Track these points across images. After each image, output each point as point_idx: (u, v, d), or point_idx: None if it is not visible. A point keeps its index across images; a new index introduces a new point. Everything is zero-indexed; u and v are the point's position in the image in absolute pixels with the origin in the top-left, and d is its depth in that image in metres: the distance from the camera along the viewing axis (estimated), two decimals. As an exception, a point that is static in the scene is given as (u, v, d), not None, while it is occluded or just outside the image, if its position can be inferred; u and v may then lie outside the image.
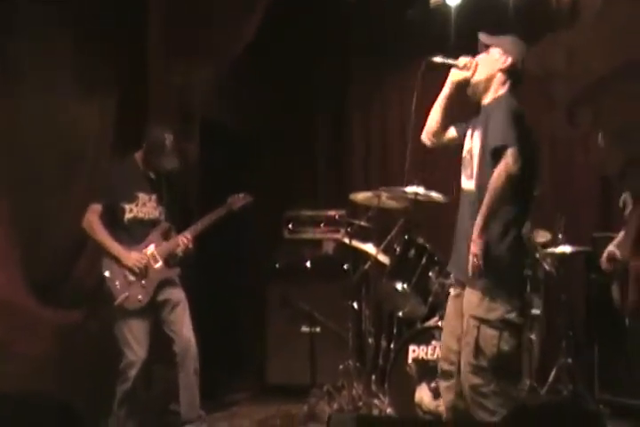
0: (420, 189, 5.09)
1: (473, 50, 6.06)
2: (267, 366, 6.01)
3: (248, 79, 6.42)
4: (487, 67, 3.83)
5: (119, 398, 4.54)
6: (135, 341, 4.55)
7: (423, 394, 4.79)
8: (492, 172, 3.58)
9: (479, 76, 3.83)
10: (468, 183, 3.78)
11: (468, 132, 3.85)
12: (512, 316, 3.62)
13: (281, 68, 6.61)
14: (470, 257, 3.56)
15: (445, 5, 5.80)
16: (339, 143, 6.90)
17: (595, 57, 5.79)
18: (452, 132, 3.98)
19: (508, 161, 3.52)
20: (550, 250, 5.29)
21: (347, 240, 5.46)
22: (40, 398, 4.55)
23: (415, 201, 5.15)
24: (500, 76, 3.82)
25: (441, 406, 4.58)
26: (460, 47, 5.96)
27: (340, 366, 5.24)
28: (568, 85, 6.01)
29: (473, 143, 3.77)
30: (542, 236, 5.37)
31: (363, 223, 5.52)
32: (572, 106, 6.02)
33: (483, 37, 3.89)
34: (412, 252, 5.21)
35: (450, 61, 3.93)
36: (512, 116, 3.63)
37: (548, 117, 6.21)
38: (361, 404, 5.12)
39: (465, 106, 4.02)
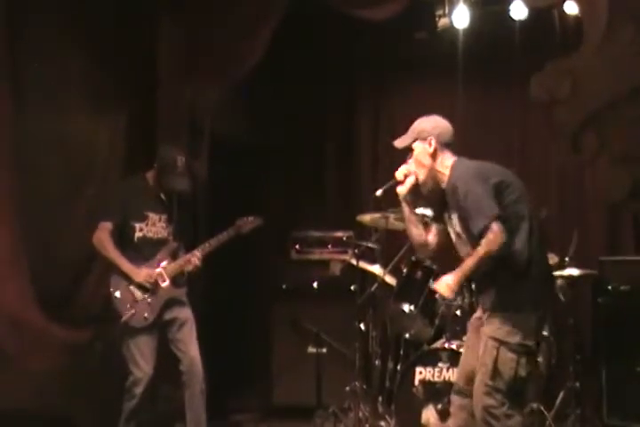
0: (428, 211, 5.09)
1: (478, 71, 6.15)
2: (273, 387, 6.00)
3: (258, 95, 6.47)
4: (421, 163, 3.84)
5: (125, 416, 4.55)
6: (142, 358, 4.55)
7: (430, 416, 4.77)
8: None
9: (421, 176, 3.84)
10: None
11: (447, 218, 3.87)
12: (531, 342, 3.66)
13: (291, 84, 6.67)
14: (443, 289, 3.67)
15: (453, 28, 5.86)
16: (347, 164, 6.93)
17: (599, 82, 5.84)
18: (434, 231, 3.99)
19: (491, 237, 3.55)
20: (558, 273, 5.28)
21: (354, 261, 5.46)
22: (47, 415, 4.60)
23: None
24: (436, 160, 3.83)
25: (448, 427, 4.58)
26: (466, 69, 6.14)
27: (347, 388, 5.21)
28: (573, 111, 6.05)
29: (456, 228, 3.82)
30: (550, 258, 5.36)
31: (370, 245, 5.53)
32: (577, 131, 6.05)
33: (397, 144, 3.91)
34: (419, 273, 5.23)
35: (390, 183, 3.96)
36: (474, 188, 3.63)
37: (554, 143, 6.25)
38: (367, 426, 5.10)
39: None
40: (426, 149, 3.83)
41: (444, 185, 3.81)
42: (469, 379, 3.76)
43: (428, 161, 3.83)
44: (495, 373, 3.61)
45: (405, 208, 3.95)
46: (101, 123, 5.20)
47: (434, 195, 3.90)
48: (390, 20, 5.82)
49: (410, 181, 3.87)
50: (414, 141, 3.85)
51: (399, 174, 3.90)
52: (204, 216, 5.65)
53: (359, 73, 6.97)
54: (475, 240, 3.65)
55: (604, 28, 5.54)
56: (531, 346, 3.66)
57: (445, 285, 3.67)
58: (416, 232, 3.93)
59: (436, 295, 3.78)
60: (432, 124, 3.87)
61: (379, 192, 4.03)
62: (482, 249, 3.57)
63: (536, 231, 3.72)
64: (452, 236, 3.87)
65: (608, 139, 5.86)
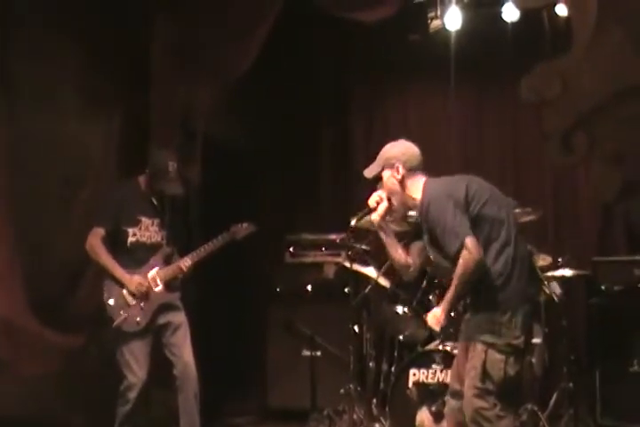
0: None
1: (471, 72, 6.15)
2: (268, 390, 6.01)
3: (253, 95, 6.47)
4: (390, 190, 3.91)
5: (119, 421, 4.56)
6: (136, 363, 4.57)
7: (424, 417, 4.78)
8: None
9: (393, 202, 3.92)
10: None
11: (426, 241, 3.89)
12: (518, 341, 3.70)
13: (286, 84, 6.66)
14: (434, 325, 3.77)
15: (445, 30, 5.87)
16: (342, 166, 6.91)
17: (589, 84, 5.86)
18: (414, 252, 4.04)
19: (469, 251, 3.60)
20: (550, 274, 5.29)
21: (348, 264, 5.46)
22: (42, 419, 4.60)
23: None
24: (405, 186, 3.88)
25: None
26: (458, 70, 6.15)
27: (341, 390, 5.22)
28: (563, 112, 6.07)
29: (434, 253, 3.86)
30: (543, 259, 5.37)
31: (364, 247, 5.53)
32: (567, 132, 6.07)
33: (366, 173, 3.99)
34: (413, 275, 5.24)
35: (364, 211, 4.04)
36: (446, 211, 3.67)
37: (545, 144, 6.26)
38: (362, 428, 5.12)
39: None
40: (394, 177, 3.89)
41: (415, 209, 3.87)
42: (463, 381, 3.79)
43: (397, 188, 3.90)
44: (484, 375, 3.66)
45: (382, 234, 4.00)
46: (95, 124, 5.20)
47: (407, 219, 4.02)
48: (383, 22, 5.83)
49: (382, 208, 3.94)
50: (382, 170, 3.92)
51: (371, 202, 3.98)
52: (197, 220, 5.64)
53: (353, 74, 6.95)
54: (452, 261, 3.69)
55: (594, 29, 5.56)
56: (518, 345, 3.70)
57: (433, 317, 3.78)
58: (396, 256, 4.00)
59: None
60: (399, 151, 3.93)
61: (353, 222, 4.13)
62: (459, 270, 3.63)
63: (514, 232, 3.75)
64: (431, 256, 3.90)
65: (598, 139, 5.87)
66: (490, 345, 3.66)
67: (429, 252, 3.88)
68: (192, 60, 5.45)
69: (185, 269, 4.71)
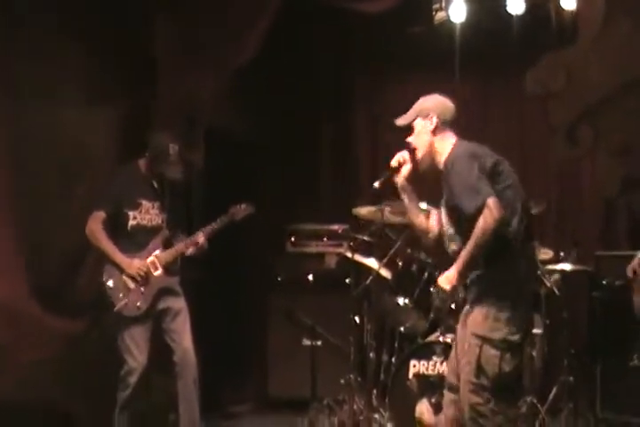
0: (423, 205, 5.10)
1: (475, 65, 6.14)
2: (268, 379, 6.02)
3: (254, 89, 6.46)
4: (420, 140, 3.84)
5: (120, 405, 4.55)
6: (136, 347, 4.56)
7: (424, 409, 4.78)
8: None
9: (419, 153, 3.84)
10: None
11: (443, 203, 3.84)
12: (515, 337, 3.64)
13: (287, 78, 6.66)
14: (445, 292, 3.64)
15: (450, 22, 5.86)
16: (344, 157, 6.92)
17: (595, 76, 5.86)
18: (436, 218, 3.97)
19: (490, 209, 3.50)
20: (552, 267, 5.29)
21: (349, 254, 5.46)
22: (43, 405, 4.60)
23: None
24: (436, 138, 3.82)
25: (442, 421, 4.59)
26: (463, 62, 6.15)
27: (342, 380, 5.22)
28: (568, 104, 6.07)
29: (446, 217, 3.80)
30: (544, 253, 5.37)
31: (365, 238, 5.53)
32: (572, 125, 6.07)
33: (398, 122, 3.91)
34: (414, 267, 5.24)
35: (387, 174, 3.93)
36: (470, 169, 3.59)
37: (550, 137, 6.27)
38: (362, 418, 5.10)
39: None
40: (427, 127, 3.81)
41: (440, 166, 3.78)
42: (459, 375, 3.74)
43: (428, 138, 3.81)
44: (479, 371, 3.60)
45: (404, 197, 3.92)
46: (97, 117, 5.17)
47: (431, 175, 3.86)
48: (387, 13, 5.82)
49: (406, 170, 3.87)
50: (415, 119, 3.85)
51: (394, 162, 3.89)
52: (200, 205, 5.64)
53: (356, 67, 6.96)
54: (462, 225, 3.62)
55: (601, 21, 5.56)
56: (514, 341, 3.63)
57: (445, 278, 3.64)
58: (417, 220, 3.94)
59: (432, 289, 3.73)
60: (434, 103, 3.86)
61: (376, 183, 3.99)
62: (478, 230, 3.51)
63: (525, 223, 3.69)
64: (445, 224, 3.82)
65: (604, 132, 5.87)
66: (485, 340, 3.60)
67: (443, 214, 3.79)
68: (192, 60, 5.44)
69: (197, 247, 4.68)
